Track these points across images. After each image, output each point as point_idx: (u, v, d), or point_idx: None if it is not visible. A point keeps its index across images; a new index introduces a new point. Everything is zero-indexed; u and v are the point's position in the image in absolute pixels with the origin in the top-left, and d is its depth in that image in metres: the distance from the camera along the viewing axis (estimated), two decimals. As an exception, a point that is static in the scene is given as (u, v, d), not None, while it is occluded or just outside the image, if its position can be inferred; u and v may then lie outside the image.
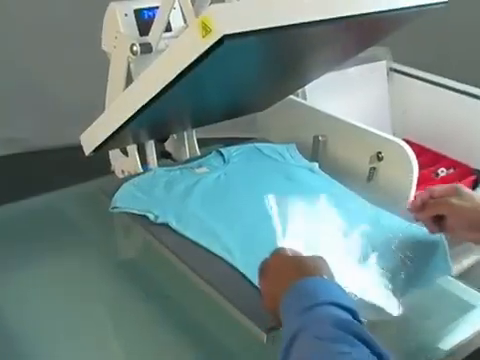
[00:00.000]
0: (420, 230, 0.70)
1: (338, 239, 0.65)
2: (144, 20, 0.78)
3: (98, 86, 0.87)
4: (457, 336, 0.64)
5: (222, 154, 0.91)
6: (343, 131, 0.92)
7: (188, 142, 0.96)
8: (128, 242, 0.87)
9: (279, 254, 0.55)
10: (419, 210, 0.68)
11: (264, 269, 0.55)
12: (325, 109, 0.96)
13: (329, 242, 0.62)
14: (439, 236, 0.69)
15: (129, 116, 0.70)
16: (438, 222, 0.67)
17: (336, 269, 0.53)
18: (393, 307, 0.59)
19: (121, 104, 0.72)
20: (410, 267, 0.64)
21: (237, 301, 0.58)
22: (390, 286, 0.61)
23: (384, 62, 1.20)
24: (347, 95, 1.13)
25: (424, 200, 0.68)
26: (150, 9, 0.79)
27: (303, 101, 1.02)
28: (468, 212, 0.64)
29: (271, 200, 0.59)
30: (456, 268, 0.73)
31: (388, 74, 1.21)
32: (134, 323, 0.65)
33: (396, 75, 1.20)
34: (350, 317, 0.45)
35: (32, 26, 1.90)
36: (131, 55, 0.76)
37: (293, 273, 0.51)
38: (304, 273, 0.50)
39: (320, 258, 0.54)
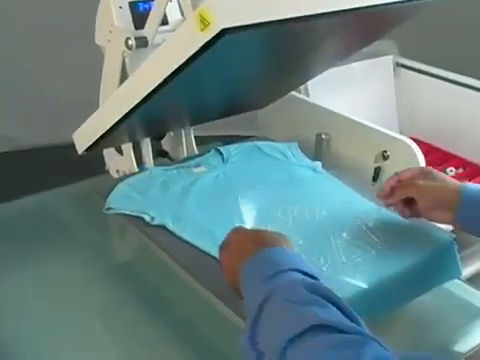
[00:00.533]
0: (392, 215, 0.72)
1: (309, 220, 0.69)
2: (139, 13, 0.78)
3: (93, 82, 0.87)
4: (468, 342, 0.64)
5: (221, 153, 0.91)
6: (347, 129, 0.92)
7: (186, 140, 0.96)
8: (123, 244, 0.87)
9: (239, 230, 0.58)
10: (388, 196, 0.70)
11: (224, 245, 0.57)
12: (328, 106, 0.96)
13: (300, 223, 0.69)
14: (449, 238, 0.69)
15: (124, 113, 0.70)
16: (409, 206, 0.69)
17: (303, 246, 0.58)
18: (361, 282, 0.61)
19: (115, 101, 0.72)
20: (383, 249, 0.67)
21: (234, 305, 0.59)
22: (359, 262, 0.64)
23: (390, 57, 1.20)
24: (351, 91, 1.13)
25: (393, 185, 0.70)
26: (146, 1, 0.78)
27: (305, 98, 1.02)
28: (436, 192, 0.67)
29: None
30: (466, 271, 0.73)
31: (395, 69, 1.21)
32: (129, 327, 0.65)
33: (403, 70, 1.20)
34: (318, 282, 0.47)
35: (28, 25, 1.91)
36: (126, 49, 0.76)
37: (254, 245, 0.53)
38: (265, 245, 0.52)
39: (281, 233, 0.56)
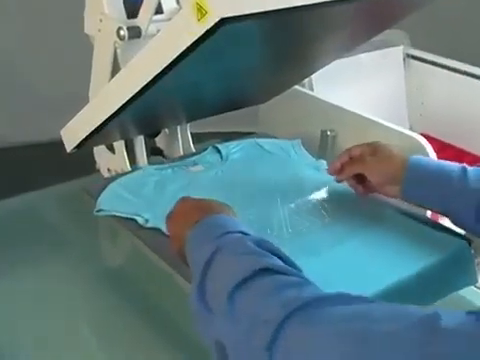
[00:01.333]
0: (343, 188, 0.78)
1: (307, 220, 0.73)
2: (132, 1, 0.78)
3: (82, 76, 0.87)
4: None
5: (219, 151, 0.92)
6: (354, 125, 0.92)
7: (181, 137, 0.96)
8: (115, 249, 0.87)
9: (185, 199, 0.62)
10: (339, 172, 0.76)
11: (170, 214, 0.61)
12: (334, 100, 0.96)
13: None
14: (464, 244, 0.70)
15: (116, 109, 0.70)
16: (362, 183, 0.75)
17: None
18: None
19: (107, 95, 0.72)
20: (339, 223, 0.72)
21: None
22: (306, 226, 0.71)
23: (400, 47, 1.20)
24: (358, 85, 1.13)
25: (343, 161, 0.75)
26: (139, -11, 0.79)
27: (309, 92, 1.03)
28: (383, 167, 0.72)
29: None
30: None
31: (405, 61, 1.21)
32: (121, 335, 0.66)
33: (414, 62, 1.20)
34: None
35: (11, 19, 1.91)
36: (118, 40, 0.76)
37: (200, 212, 0.57)
38: (211, 212, 0.57)
39: (226, 204, 0.60)
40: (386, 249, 0.68)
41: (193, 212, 0.58)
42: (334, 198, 0.79)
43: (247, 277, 0.46)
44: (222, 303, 0.46)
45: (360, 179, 0.75)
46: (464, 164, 0.70)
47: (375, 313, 0.40)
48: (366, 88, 1.15)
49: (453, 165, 0.70)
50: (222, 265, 0.49)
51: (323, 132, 0.92)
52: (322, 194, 0.80)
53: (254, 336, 0.42)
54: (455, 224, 0.71)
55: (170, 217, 0.61)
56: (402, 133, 0.87)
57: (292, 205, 0.77)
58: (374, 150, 0.74)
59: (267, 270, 0.47)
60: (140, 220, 0.74)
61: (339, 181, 0.77)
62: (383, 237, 0.70)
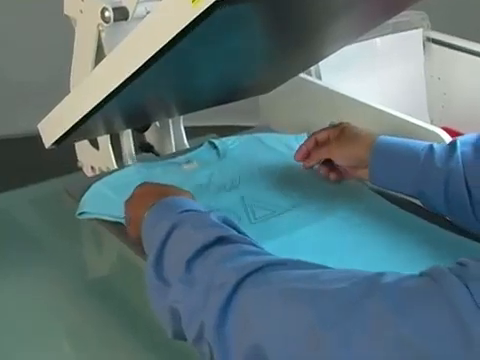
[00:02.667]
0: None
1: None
2: (118, -21, 0.79)
3: (61, 61, 0.88)
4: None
5: (216, 146, 0.93)
6: (367, 118, 0.93)
7: (174, 132, 0.97)
8: (100, 257, 0.88)
9: (144, 183, 0.70)
10: (305, 158, 0.82)
11: (129, 199, 0.69)
12: (344, 90, 0.97)
13: None
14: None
15: (100, 100, 0.70)
16: (333, 168, 0.81)
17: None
18: None
19: (90, 85, 0.73)
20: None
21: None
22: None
23: (420, 30, 1.20)
24: (372, 73, 1.14)
25: (309, 147, 0.82)
26: (126, -35, 0.79)
27: (317, 81, 1.03)
28: (348, 150, 0.77)
29: None
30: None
31: (425, 46, 1.21)
32: (108, 353, 0.66)
33: (435, 47, 1.20)
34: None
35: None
36: (102, 22, 0.77)
37: (157, 195, 0.63)
38: (168, 194, 0.63)
39: (186, 190, 0.68)
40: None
41: (151, 194, 0.65)
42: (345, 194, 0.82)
43: (206, 245, 0.52)
44: (180, 272, 0.51)
45: (331, 164, 0.81)
46: (432, 143, 0.73)
47: (325, 275, 0.46)
48: (381, 76, 1.15)
49: (420, 144, 0.74)
50: (180, 238, 0.55)
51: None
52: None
53: (209, 299, 0.47)
54: (426, 206, 0.75)
55: (128, 201, 0.69)
56: (421, 127, 0.87)
57: (297, 208, 0.79)
58: (340, 132, 0.79)
59: (225, 239, 0.53)
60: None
61: (307, 168, 0.83)
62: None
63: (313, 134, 0.83)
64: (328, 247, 0.70)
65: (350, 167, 0.80)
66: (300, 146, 0.85)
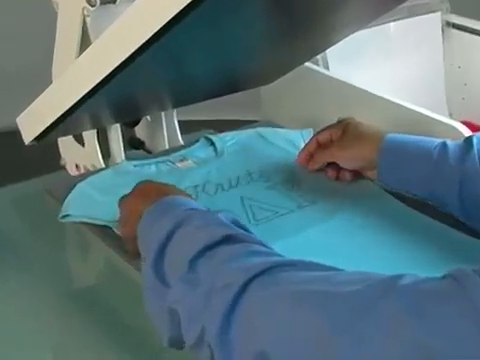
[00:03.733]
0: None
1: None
2: (106, -43, 0.79)
3: (43, 49, 0.88)
4: None
5: (213, 143, 0.93)
6: (379, 111, 0.93)
7: (167, 127, 0.98)
8: (85, 264, 0.88)
9: (144, 182, 0.70)
10: (307, 161, 0.85)
11: (125, 196, 0.70)
12: (355, 81, 0.97)
13: None
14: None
15: (86, 91, 0.70)
16: (340, 170, 0.83)
17: None
18: None
19: (74, 75, 0.73)
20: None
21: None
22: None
23: (438, 14, 1.20)
24: (385, 61, 1.14)
25: (311, 149, 0.85)
26: None
27: (324, 71, 1.03)
28: (354, 152, 0.80)
29: None
30: None
31: (443, 31, 1.21)
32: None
33: (455, 32, 1.20)
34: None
35: None
36: (87, 6, 0.77)
37: (159, 193, 0.64)
38: (169, 193, 0.65)
39: (187, 193, 0.70)
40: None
41: (152, 192, 0.66)
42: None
43: (212, 244, 0.53)
44: (182, 271, 0.52)
45: (337, 165, 0.83)
46: (446, 139, 0.74)
47: (338, 277, 0.46)
48: (395, 65, 1.15)
49: (433, 141, 0.75)
50: (184, 236, 0.56)
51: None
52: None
53: (213, 301, 0.48)
54: (440, 209, 0.76)
55: (125, 200, 0.70)
56: (439, 121, 0.87)
57: (301, 209, 0.80)
58: (344, 131, 0.80)
59: (232, 238, 0.54)
60: (117, 229, 0.75)
61: (311, 171, 0.85)
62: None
63: (314, 135, 0.85)
64: (335, 250, 0.71)
65: (361, 169, 0.82)
66: (302, 148, 0.86)
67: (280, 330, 0.44)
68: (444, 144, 0.74)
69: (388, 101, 0.93)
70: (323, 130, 0.84)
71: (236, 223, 0.58)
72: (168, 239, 0.56)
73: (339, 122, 0.83)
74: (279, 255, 0.53)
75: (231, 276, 0.49)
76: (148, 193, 0.67)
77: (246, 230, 0.57)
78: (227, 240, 0.54)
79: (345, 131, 0.81)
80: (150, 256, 0.56)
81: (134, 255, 0.67)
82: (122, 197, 0.70)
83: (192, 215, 0.59)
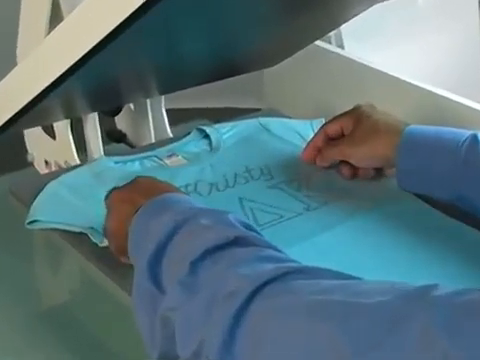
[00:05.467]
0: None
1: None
2: None
3: (6, 26, 0.88)
4: None
5: (207, 135, 0.93)
6: (403, 98, 0.93)
7: (153, 116, 0.98)
8: (58, 279, 0.88)
9: (138, 178, 0.70)
10: (313, 157, 0.86)
11: (115, 191, 0.70)
12: (373, 63, 0.97)
13: None
14: None
15: (57, 75, 0.70)
16: (351, 166, 0.84)
17: None
18: None
19: (43, 56, 0.73)
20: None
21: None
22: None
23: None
24: (411, 39, 1.13)
25: (318, 144, 0.85)
26: None
27: (338, 50, 1.03)
28: (369, 150, 0.80)
29: None
30: None
31: (481, 4, 1.21)
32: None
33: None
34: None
35: None
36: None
37: (156, 190, 0.65)
38: (170, 191, 0.65)
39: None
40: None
41: (150, 187, 0.67)
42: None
43: (217, 245, 0.53)
44: (181, 273, 0.52)
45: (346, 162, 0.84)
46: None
47: (361, 287, 0.46)
48: (422, 44, 1.15)
49: (461, 134, 0.74)
50: (187, 235, 0.56)
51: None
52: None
53: (215, 311, 0.48)
54: (469, 211, 0.75)
55: (115, 191, 0.70)
56: (474, 109, 0.88)
57: (310, 212, 0.80)
58: (355, 122, 0.80)
59: (241, 240, 0.54)
60: (94, 236, 0.75)
61: (321, 168, 0.86)
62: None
63: (322, 127, 0.85)
64: (351, 260, 0.71)
65: (381, 166, 0.83)
66: (307, 143, 0.86)
67: (293, 346, 0.44)
68: (475, 137, 0.74)
69: (413, 85, 0.93)
70: (332, 121, 0.84)
71: (245, 225, 0.58)
72: (168, 238, 0.57)
73: (352, 110, 0.83)
74: (293, 261, 0.53)
75: (237, 283, 0.49)
76: (145, 188, 0.67)
77: (257, 233, 0.58)
78: (235, 242, 0.54)
79: (358, 122, 0.81)
80: (144, 257, 0.57)
81: (119, 255, 0.67)
82: (111, 190, 0.71)
83: (197, 213, 0.59)
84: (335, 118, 0.84)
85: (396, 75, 0.95)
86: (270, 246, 0.55)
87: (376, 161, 0.81)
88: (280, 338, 0.45)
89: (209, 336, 0.48)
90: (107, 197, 0.71)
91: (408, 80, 0.94)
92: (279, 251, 0.55)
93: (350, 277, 0.49)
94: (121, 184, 0.76)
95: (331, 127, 0.84)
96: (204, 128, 0.94)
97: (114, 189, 0.71)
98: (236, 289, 0.48)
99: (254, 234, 0.57)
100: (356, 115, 0.82)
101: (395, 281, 0.47)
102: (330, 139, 0.85)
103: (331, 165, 0.86)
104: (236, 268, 0.51)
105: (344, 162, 0.84)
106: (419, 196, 0.81)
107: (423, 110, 0.92)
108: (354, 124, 0.81)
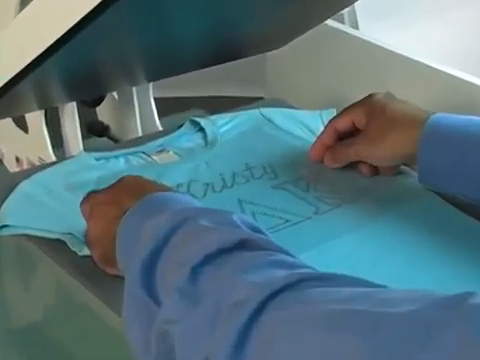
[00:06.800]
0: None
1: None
2: None
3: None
4: None
5: (202, 128, 0.93)
6: (427, 85, 0.94)
7: (140, 106, 0.98)
8: (31, 292, 0.88)
9: (122, 178, 0.70)
10: (320, 156, 0.86)
11: (94, 195, 0.70)
12: (392, 45, 0.97)
13: None
14: None
15: (31, 59, 0.70)
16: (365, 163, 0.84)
17: None
18: None
19: (15, 37, 0.73)
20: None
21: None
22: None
23: None
24: (436, 17, 1.13)
25: (326, 141, 0.85)
26: None
27: (352, 31, 1.03)
28: (386, 151, 0.80)
29: None
30: None
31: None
32: None
33: None
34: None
35: None
36: None
37: (146, 189, 0.65)
38: (151, 190, 0.65)
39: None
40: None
41: (138, 187, 0.67)
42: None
43: (221, 249, 0.53)
44: (180, 281, 0.52)
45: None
46: None
47: (386, 294, 0.46)
48: (446, 23, 1.15)
49: None
50: (186, 237, 0.56)
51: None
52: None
53: (220, 323, 0.48)
54: None
55: (93, 194, 0.70)
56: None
57: (321, 215, 0.80)
58: (370, 115, 0.79)
59: (249, 243, 0.54)
60: (72, 243, 0.74)
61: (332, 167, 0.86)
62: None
63: (331, 121, 0.84)
64: (366, 270, 0.70)
65: (393, 167, 0.83)
66: (315, 140, 0.86)
67: None
68: None
69: (437, 70, 0.93)
70: (342, 114, 0.84)
71: (252, 227, 0.58)
72: (164, 241, 0.56)
73: (364, 101, 0.83)
74: (308, 267, 0.53)
75: (245, 291, 0.48)
76: (134, 188, 0.67)
77: (265, 235, 0.58)
78: (242, 246, 0.54)
79: (372, 115, 0.80)
80: (136, 262, 0.56)
81: (104, 265, 0.67)
82: (88, 193, 0.70)
83: (197, 213, 0.59)
84: (346, 110, 0.84)
85: (417, 58, 0.95)
86: (281, 250, 0.55)
87: (398, 160, 0.81)
88: (295, 353, 0.45)
89: (214, 352, 0.47)
90: (84, 201, 0.70)
91: (431, 64, 0.94)
92: (292, 256, 0.55)
93: (374, 285, 0.49)
94: (103, 185, 0.76)
95: (341, 122, 0.84)
96: (198, 120, 0.94)
97: (92, 193, 0.70)
98: (244, 298, 0.48)
99: (262, 236, 0.56)
100: (370, 106, 0.81)
101: (425, 289, 0.46)
102: (340, 135, 0.84)
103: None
104: (243, 274, 0.50)
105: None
106: (443, 196, 0.81)
107: (448, 98, 0.92)
108: (368, 117, 0.81)
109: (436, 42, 1.09)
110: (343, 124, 0.83)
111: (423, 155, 0.76)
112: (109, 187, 0.70)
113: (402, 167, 0.85)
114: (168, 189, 0.68)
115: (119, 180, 0.70)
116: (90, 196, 0.70)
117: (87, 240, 0.70)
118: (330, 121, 0.85)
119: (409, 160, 0.80)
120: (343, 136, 0.84)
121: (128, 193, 0.66)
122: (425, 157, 0.77)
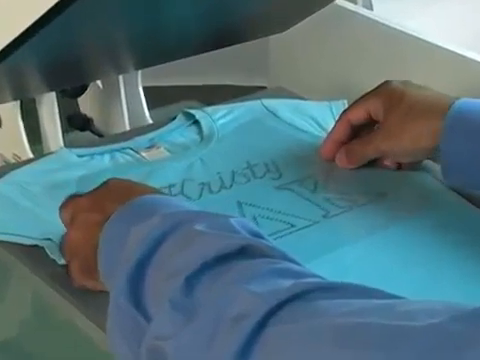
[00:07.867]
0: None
1: None
2: None
3: None
4: None
5: (197, 121, 0.93)
6: (446, 71, 0.94)
7: (127, 97, 0.98)
8: (4, 305, 0.88)
9: (106, 182, 0.70)
10: (332, 154, 0.86)
11: (73, 199, 0.70)
12: (410, 28, 0.97)
13: None
14: None
15: (6, 43, 0.70)
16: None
17: None
18: None
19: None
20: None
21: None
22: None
23: None
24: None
25: (338, 137, 0.85)
26: None
27: (365, 12, 1.03)
28: (407, 145, 0.80)
29: None
30: None
31: None
32: None
33: None
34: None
35: None
36: None
37: (132, 192, 0.65)
38: (140, 194, 0.65)
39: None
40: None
41: (123, 190, 0.67)
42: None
43: (219, 257, 0.53)
44: (173, 292, 0.52)
45: None
46: None
47: (406, 306, 0.45)
48: (468, 4, 1.16)
49: None
50: (179, 244, 0.56)
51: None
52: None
53: (219, 338, 0.48)
54: None
55: (73, 199, 0.70)
56: None
57: (329, 219, 0.80)
58: (387, 105, 0.80)
59: (250, 250, 0.54)
60: (52, 251, 0.74)
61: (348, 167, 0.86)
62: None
63: (343, 113, 0.84)
64: (379, 280, 0.70)
65: (410, 159, 0.83)
66: (327, 136, 0.86)
67: None
68: None
69: (459, 55, 0.93)
70: (356, 105, 0.84)
71: (253, 232, 0.58)
72: (154, 246, 0.56)
73: (380, 89, 0.82)
74: (316, 276, 0.53)
75: (247, 303, 0.48)
76: (119, 192, 0.67)
77: (267, 241, 0.58)
78: (242, 253, 0.54)
79: (389, 105, 0.80)
80: (122, 272, 0.56)
81: (83, 278, 0.67)
82: (69, 197, 0.70)
83: (192, 217, 0.59)
84: (360, 101, 0.83)
85: (439, 43, 0.95)
86: (286, 257, 0.55)
87: (421, 155, 0.82)
88: None
89: None
90: (64, 207, 0.70)
91: (455, 49, 0.94)
92: (297, 264, 0.55)
93: (388, 296, 0.49)
94: (85, 185, 0.76)
95: (355, 114, 0.83)
96: (193, 112, 0.93)
97: (73, 197, 0.70)
98: (246, 311, 0.48)
99: (265, 242, 0.56)
100: (387, 95, 0.81)
101: (443, 300, 0.46)
102: (354, 130, 0.84)
103: None
104: (244, 284, 0.50)
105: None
106: (470, 197, 0.81)
107: (471, 85, 0.92)
108: (385, 107, 0.80)
109: (455, 24, 1.09)
110: (357, 116, 0.83)
111: (446, 147, 0.76)
112: (92, 191, 0.69)
113: (426, 162, 0.85)
114: (159, 192, 0.68)
115: (104, 183, 0.70)
116: (71, 201, 0.70)
117: (64, 250, 0.70)
118: (342, 113, 0.85)
119: (430, 154, 0.81)
120: (357, 130, 0.84)
121: (113, 198, 0.66)
122: (448, 150, 0.76)
